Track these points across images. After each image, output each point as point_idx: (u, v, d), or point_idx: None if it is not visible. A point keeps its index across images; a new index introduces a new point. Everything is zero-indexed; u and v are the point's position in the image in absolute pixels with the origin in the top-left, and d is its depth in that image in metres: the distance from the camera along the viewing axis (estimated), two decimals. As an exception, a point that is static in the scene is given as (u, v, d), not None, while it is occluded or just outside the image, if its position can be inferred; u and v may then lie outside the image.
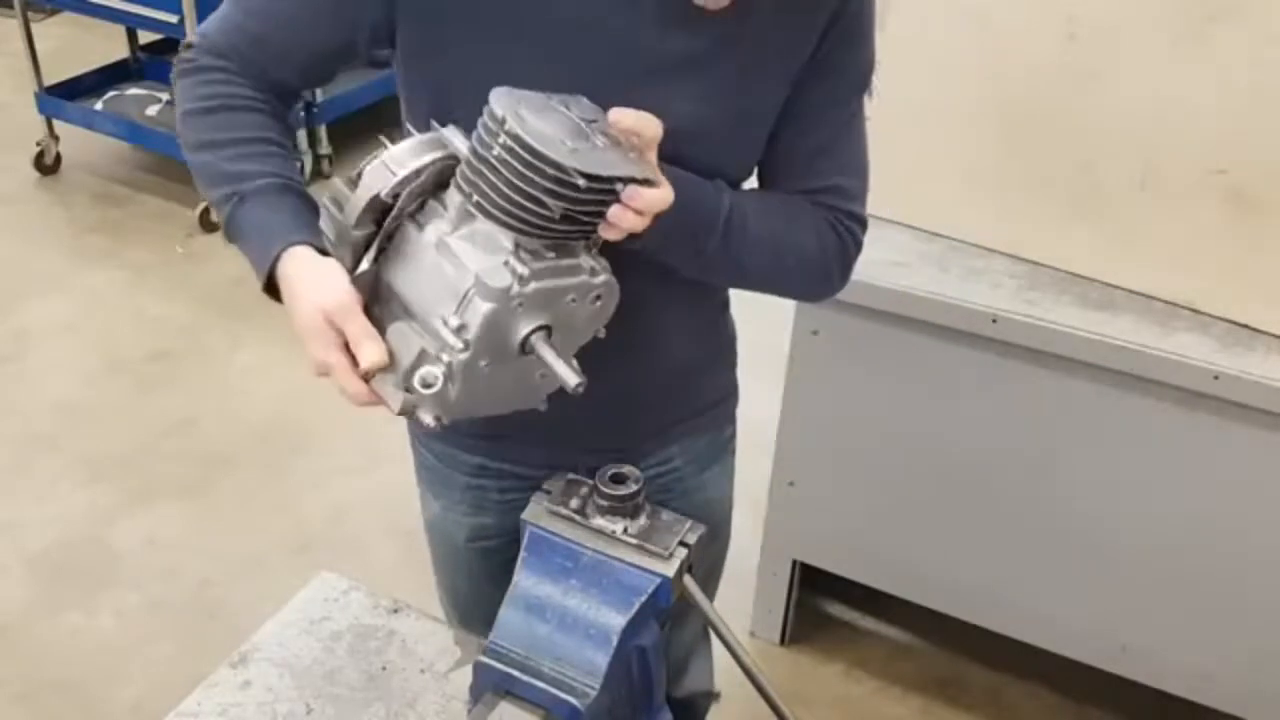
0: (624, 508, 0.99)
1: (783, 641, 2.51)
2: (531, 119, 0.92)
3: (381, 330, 0.97)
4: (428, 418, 0.95)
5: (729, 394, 1.44)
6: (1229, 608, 2.00)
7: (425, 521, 1.50)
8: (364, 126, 4.37)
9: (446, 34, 1.11)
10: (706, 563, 1.55)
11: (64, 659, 2.49)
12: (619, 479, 1.02)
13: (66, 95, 4.19)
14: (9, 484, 2.94)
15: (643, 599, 0.96)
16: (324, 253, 1.04)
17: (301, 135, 4.14)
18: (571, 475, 1.06)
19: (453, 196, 0.96)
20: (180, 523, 2.85)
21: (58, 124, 4.23)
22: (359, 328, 0.97)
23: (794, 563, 2.41)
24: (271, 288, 1.07)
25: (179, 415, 3.18)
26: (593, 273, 0.97)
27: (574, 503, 1.01)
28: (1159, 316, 1.91)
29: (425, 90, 1.15)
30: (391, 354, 0.96)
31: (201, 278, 3.79)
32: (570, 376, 0.93)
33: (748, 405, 1.49)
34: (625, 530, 0.98)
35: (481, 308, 0.92)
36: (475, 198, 0.94)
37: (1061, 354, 1.91)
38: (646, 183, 0.96)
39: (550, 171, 0.90)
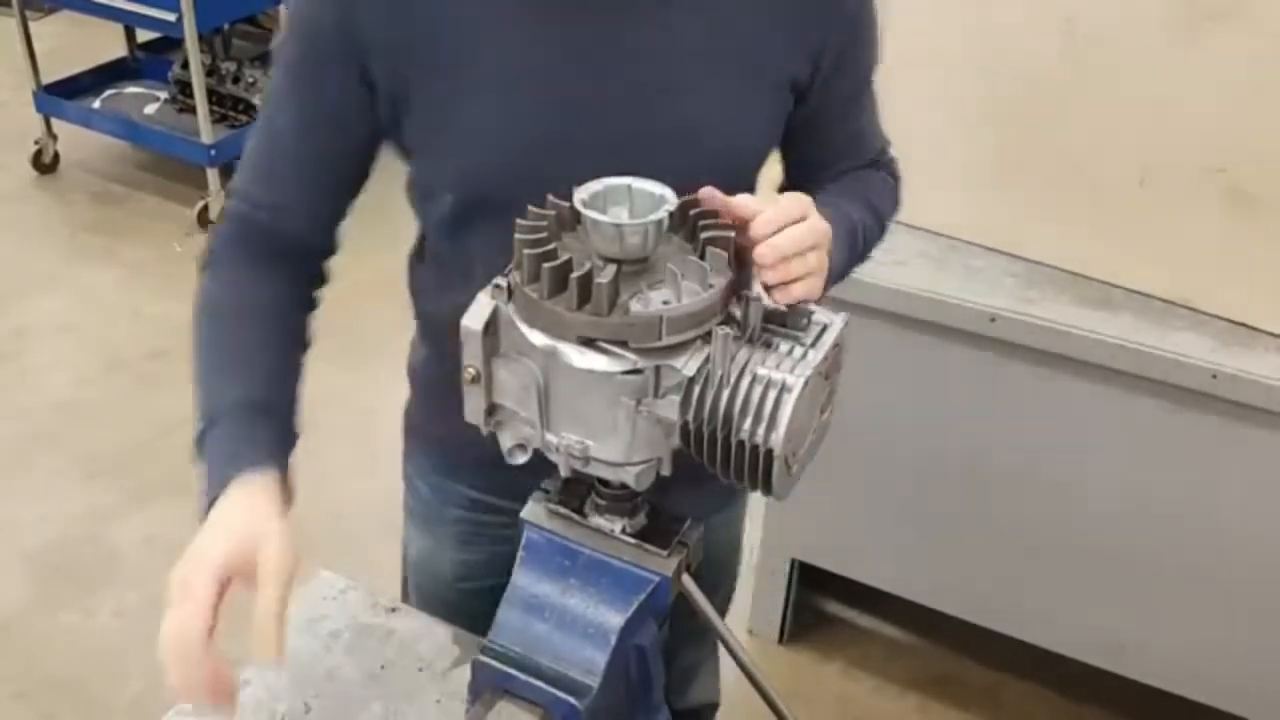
0: (622, 506, 0.98)
1: (781, 640, 2.51)
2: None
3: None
4: (506, 442, 0.94)
5: None
6: (1228, 606, 2.00)
7: (411, 562, 1.47)
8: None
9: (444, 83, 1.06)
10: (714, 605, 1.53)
11: (63, 657, 2.49)
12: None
13: (64, 94, 4.18)
14: (7, 482, 2.94)
15: (641, 598, 0.96)
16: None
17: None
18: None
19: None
20: (179, 521, 2.81)
21: (56, 122, 4.23)
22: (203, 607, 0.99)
23: (792, 561, 2.41)
24: None
25: (177, 414, 3.14)
26: None
27: (572, 501, 1.00)
28: (1157, 315, 1.91)
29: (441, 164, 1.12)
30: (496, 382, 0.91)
31: (200, 276, 3.78)
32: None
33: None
34: (624, 529, 0.98)
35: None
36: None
37: (1060, 353, 1.91)
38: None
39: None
